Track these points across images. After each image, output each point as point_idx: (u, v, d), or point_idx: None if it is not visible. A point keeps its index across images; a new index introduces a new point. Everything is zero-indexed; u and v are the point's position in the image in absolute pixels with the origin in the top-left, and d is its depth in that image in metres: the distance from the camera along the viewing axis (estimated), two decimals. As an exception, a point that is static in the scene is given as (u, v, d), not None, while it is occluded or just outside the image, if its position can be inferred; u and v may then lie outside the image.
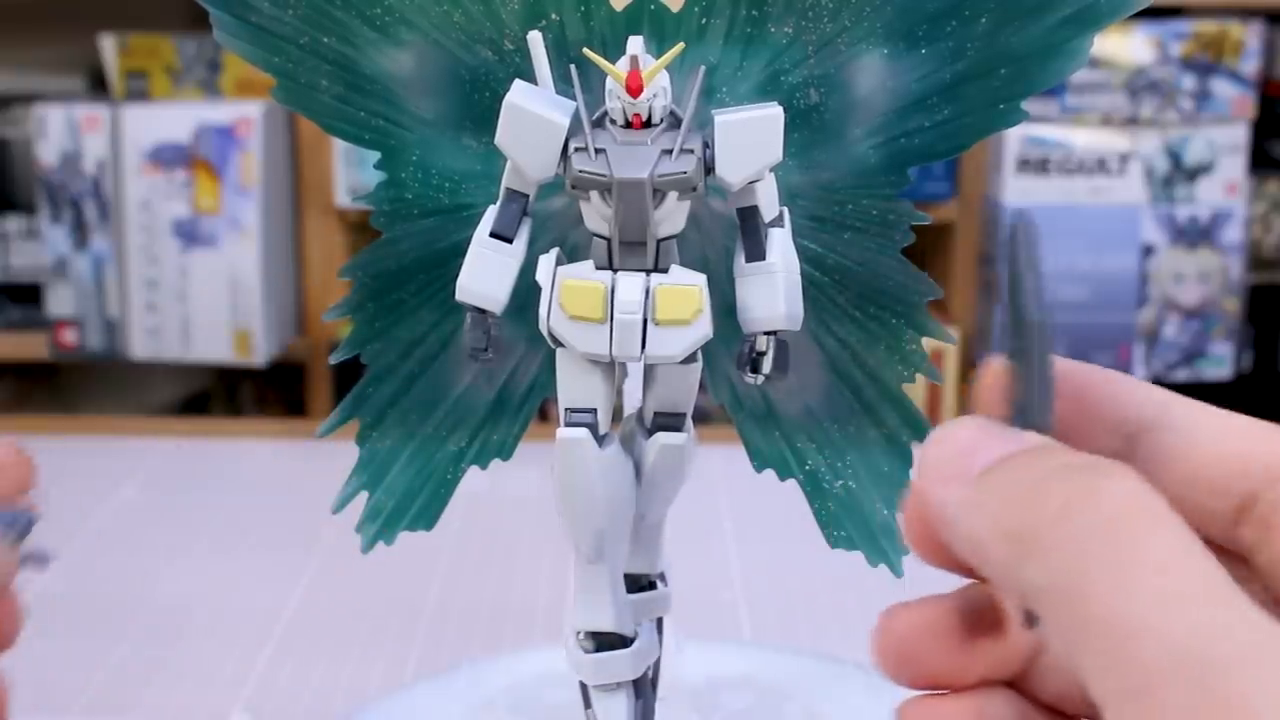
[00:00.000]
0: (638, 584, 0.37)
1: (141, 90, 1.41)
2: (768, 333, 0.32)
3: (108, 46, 1.41)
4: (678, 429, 0.35)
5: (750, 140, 0.32)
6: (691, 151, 0.31)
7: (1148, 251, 1.38)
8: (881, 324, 0.36)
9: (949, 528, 0.23)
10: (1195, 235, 1.38)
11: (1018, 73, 0.33)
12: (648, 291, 0.32)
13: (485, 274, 0.33)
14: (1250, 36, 1.36)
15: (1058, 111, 1.36)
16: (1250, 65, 1.36)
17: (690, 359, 0.33)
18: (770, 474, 0.38)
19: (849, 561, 0.39)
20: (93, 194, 1.36)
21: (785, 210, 0.33)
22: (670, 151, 0.31)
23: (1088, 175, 1.37)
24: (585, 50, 0.32)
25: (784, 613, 0.61)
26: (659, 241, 0.32)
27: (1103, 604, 0.20)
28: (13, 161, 1.48)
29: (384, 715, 0.51)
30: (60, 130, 1.36)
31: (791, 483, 0.38)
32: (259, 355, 1.35)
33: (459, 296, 0.33)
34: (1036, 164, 1.36)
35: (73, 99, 1.42)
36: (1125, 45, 1.36)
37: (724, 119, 0.32)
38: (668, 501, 0.37)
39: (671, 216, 0.32)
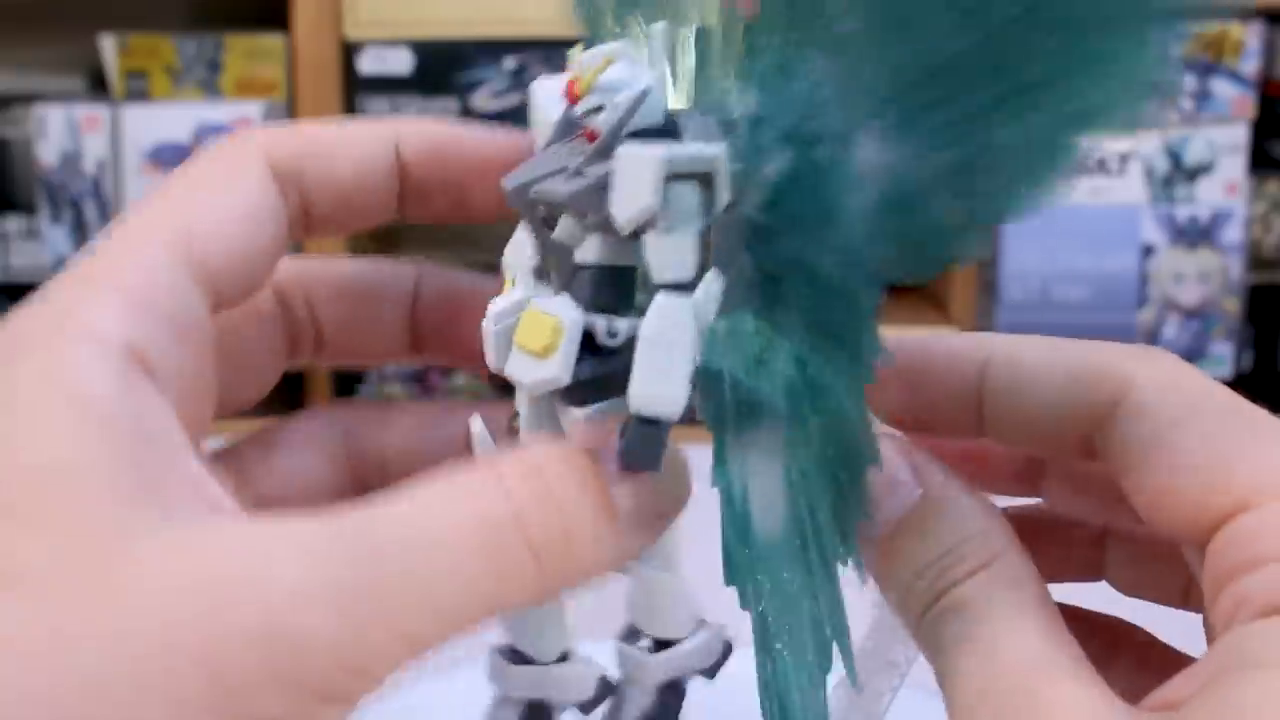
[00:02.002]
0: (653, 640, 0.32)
1: (141, 90, 1.40)
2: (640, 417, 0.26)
3: (108, 46, 1.41)
4: None
5: (629, 180, 0.26)
6: (581, 175, 0.27)
7: (1148, 251, 1.38)
8: (834, 479, 0.28)
9: (868, 565, 0.27)
10: (1195, 235, 1.38)
11: (1001, 175, 0.25)
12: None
13: None
14: (1250, 36, 1.36)
15: (1058, 111, 1.36)
16: (1250, 65, 1.36)
17: (574, 402, 0.28)
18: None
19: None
20: (93, 194, 1.36)
21: (708, 279, 0.27)
22: (568, 170, 0.27)
23: (1087, 175, 1.37)
24: (571, 50, 0.30)
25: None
26: (578, 269, 0.28)
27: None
28: (13, 161, 1.48)
29: (384, 715, 0.51)
30: (60, 130, 1.36)
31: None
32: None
33: None
34: (1036, 164, 1.36)
35: (73, 99, 1.42)
36: (1125, 45, 1.36)
37: (620, 150, 0.27)
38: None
39: (583, 243, 0.28)
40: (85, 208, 1.36)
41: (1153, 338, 1.40)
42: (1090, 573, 0.30)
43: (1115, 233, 1.38)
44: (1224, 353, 1.40)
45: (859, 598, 0.27)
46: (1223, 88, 1.36)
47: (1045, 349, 0.27)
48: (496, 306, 0.29)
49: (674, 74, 0.29)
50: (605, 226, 0.27)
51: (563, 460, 0.25)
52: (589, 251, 0.28)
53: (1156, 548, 0.29)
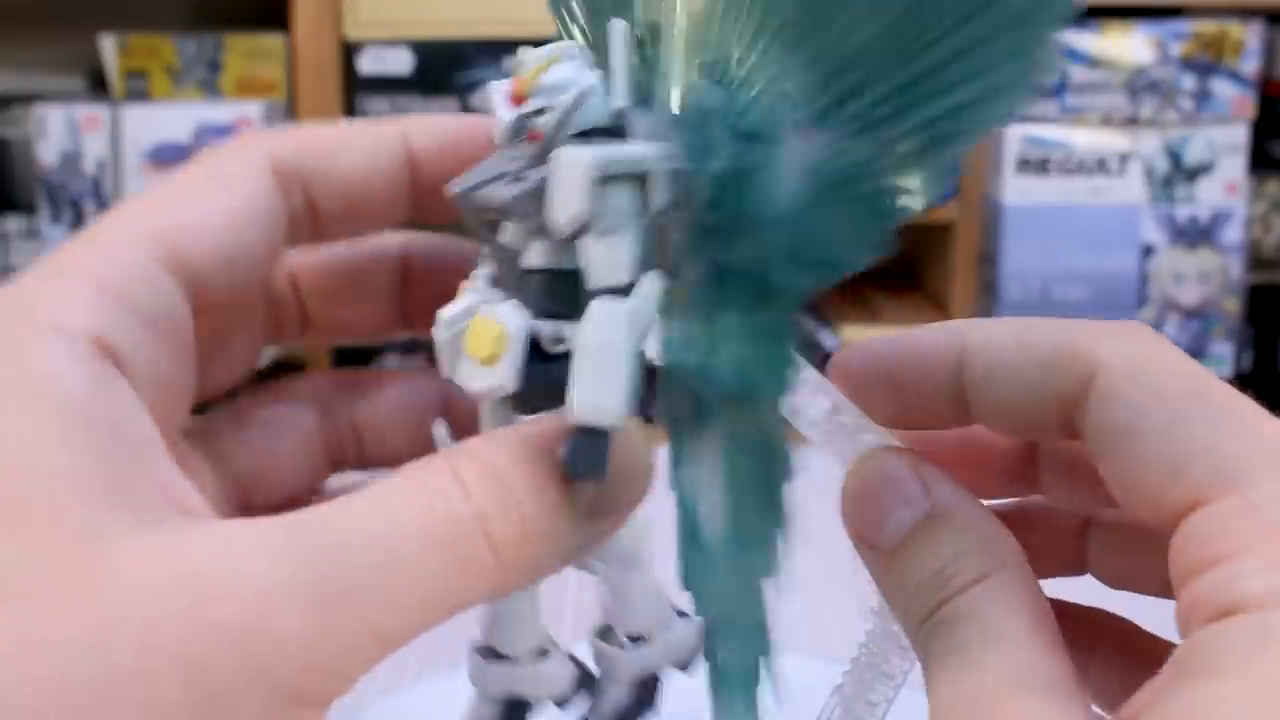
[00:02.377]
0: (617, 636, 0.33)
1: (141, 90, 1.40)
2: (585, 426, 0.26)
3: (108, 46, 1.41)
4: None
5: (561, 184, 0.26)
6: (520, 179, 0.27)
7: (1148, 251, 1.38)
8: (762, 482, 0.28)
9: (874, 575, 0.28)
10: (1195, 235, 1.38)
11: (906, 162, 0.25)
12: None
13: None
14: (1250, 36, 1.36)
15: (1058, 111, 1.36)
16: (1250, 65, 1.36)
17: (524, 410, 0.28)
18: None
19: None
20: (93, 194, 1.36)
21: (644, 282, 0.27)
22: (509, 175, 0.27)
23: (1088, 175, 1.37)
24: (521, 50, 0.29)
25: (783, 613, 0.60)
26: (526, 274, 0.28)
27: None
28: (13, 161, 1.48)
29: (384, 715, 0.51)
30: (60, 130, 1.36)
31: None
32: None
33: None
34: (1036, 164, 1.36)
35: (73, 99, 1.42)
36: (1125, 45, 1.36)
37: (554, 154, 0.26)
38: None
39: (529, 248, 0.28)
40: (85, 208, 1.36)
41: (1153, 338, 1.40)
42: (1072, 568, 0.30)
43: (1115, 233, 1.38)
44: (1224, 353, 1.40)
45: (855, 607, 0.27)
46: (1223, 88, 1.36)
47: (1019, 331, 0.27)
48: (447, 313, 0.28)
49: (629, 71, 0.29)
50: (547, 231, 0.27)
51: (520, 460, 0.25)
52: (535, 256, 0.28)
53: (1141, 537, 0.29)
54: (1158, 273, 1.39)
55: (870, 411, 0.28)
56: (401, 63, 1.37)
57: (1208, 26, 1.36)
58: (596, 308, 0.26)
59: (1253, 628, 0.21)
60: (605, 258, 0.27)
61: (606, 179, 0.26)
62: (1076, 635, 0.26)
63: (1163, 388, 0.24)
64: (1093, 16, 1.37)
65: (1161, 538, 0.24)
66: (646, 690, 0.32)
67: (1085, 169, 1.37)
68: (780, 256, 0.26)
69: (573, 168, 0.26)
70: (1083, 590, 0.30)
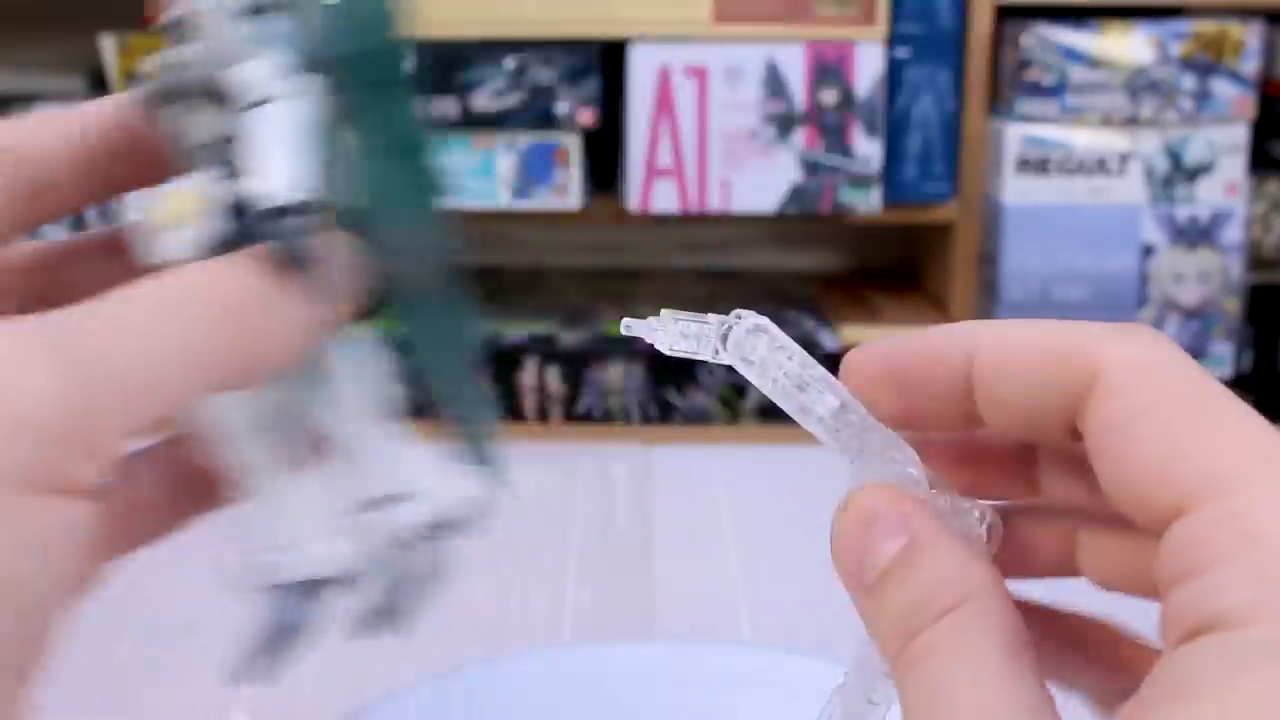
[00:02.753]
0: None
1: (141, 90, 1.40)
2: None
3: (108, 46, 1.41)
4: None
5: (205, 30, 0.31)
6: (169, 50, 0.31)
7: (1148, 251, 1.38)
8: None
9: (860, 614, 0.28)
10: (1195, 235, 1.38)
11: None
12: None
13: None
14: (1250, 36, 1.36)
15: (1058, 111, 1.36)
16: (1250, 65, 1.36)
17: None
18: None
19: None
20: (93, 194, 1.36)
21: (296, 82, 0.30)
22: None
23: (1087, 175, 1.37)
24: None
25: (784, 613, 0.61)
26: (206, 149, 0.31)
27: None
28: (13, 161, 1.48)
29: (384, 715, 0.51)
30: (60, 130, 1.36)
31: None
32: None
33: None
34: (1036, 164, 1.36)
35: (73, 99, 1.42)
36: (1125, 45, 1.36)
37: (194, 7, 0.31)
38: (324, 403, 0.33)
39: (202, 124, 0.31)
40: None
41: (1153, 338, 1.40)
42: (1064, 570, 0.30)
43: (1115, 233, 1.38)
44: (1224, 353, 1.40)
45: (848, 631, 0.28)
46: (1223, 88, 1.36)
47: (1028, 331, 0.27)
48: (141, 213, 0.32)
49: None
50: (208, 92, 0.30)
51: (230, 263, 0.28)
52: (209, 128, 0.31)
53: (1133, 540, 0.29)
54: (1158, 273, 1.39)
55: (879, 412, 0.28)
56: (401, 63, 1.37)
57: (1208, 26, 1.36)
58: (257, 110, 0.30)
59: (1229, 648, 0.21)
60: (253, 77, 0.30)
61: (241, 12, 0.31)
62: (1062, 641, 0.26)
63: (1161, 391, 0.24)
64: (1093, 16, 1.37)
65: (1152, 541, 0.24)
66: (421, 554, 0.33)
67: (1085, 169, 1.37)
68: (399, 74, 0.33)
69: (206, 5, 0.31)
70: (1075, 593, 0.30)
